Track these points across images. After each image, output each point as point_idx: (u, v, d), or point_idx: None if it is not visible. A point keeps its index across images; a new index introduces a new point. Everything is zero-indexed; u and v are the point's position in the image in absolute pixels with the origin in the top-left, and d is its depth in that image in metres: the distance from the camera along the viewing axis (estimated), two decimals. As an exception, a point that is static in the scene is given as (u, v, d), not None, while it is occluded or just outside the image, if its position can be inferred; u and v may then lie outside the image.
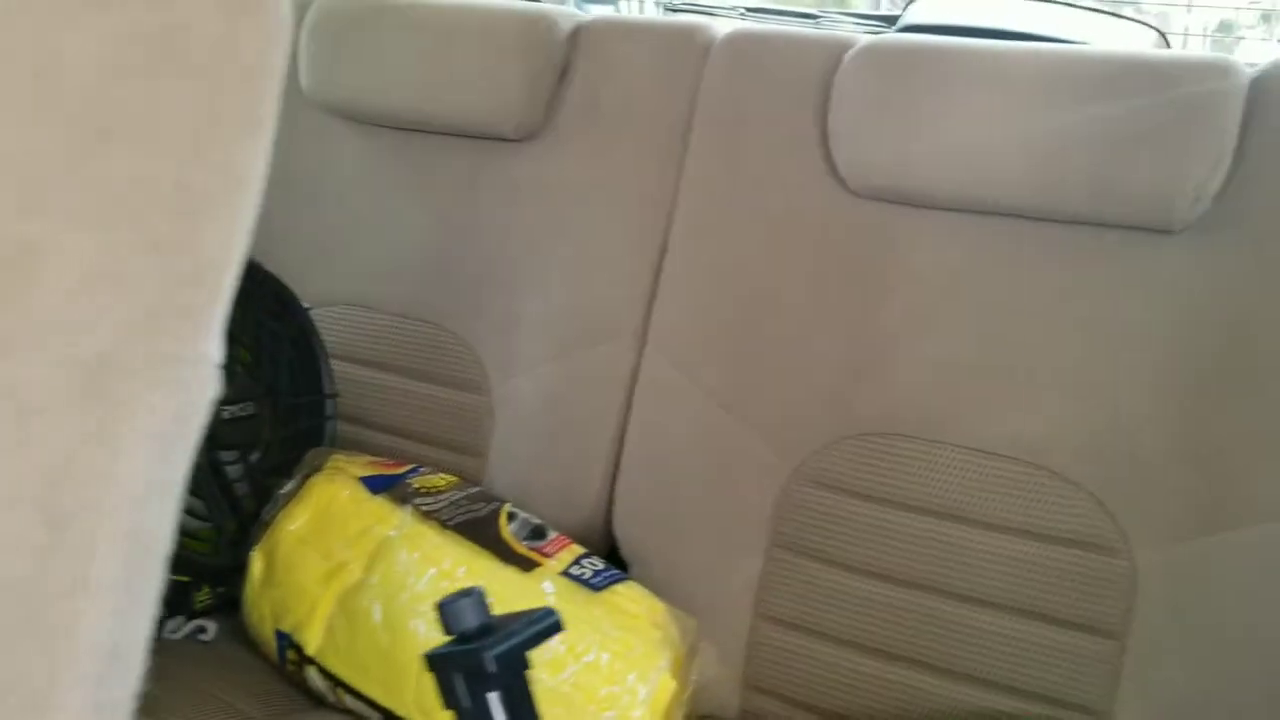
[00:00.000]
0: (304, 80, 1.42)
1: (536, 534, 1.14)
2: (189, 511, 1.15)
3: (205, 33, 0.37)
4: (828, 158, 1.17)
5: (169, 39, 0.36)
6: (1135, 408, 1.04)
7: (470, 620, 0.55)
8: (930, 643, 1.09)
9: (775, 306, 1.18)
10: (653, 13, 2.44)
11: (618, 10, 2.37)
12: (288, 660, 1.12)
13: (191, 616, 1.21)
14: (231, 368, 1.18)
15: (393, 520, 1.12)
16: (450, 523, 1.12)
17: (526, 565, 1.08)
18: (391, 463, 1.24)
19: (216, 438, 1.16)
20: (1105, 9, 1.94)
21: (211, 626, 1.21)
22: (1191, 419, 1.02)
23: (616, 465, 1.27)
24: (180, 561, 1.17)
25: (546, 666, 1.01)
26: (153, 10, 0.36)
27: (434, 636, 1.02)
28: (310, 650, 1.09)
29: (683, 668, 1.07)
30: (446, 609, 0.55)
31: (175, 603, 1.20)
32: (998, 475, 1.08)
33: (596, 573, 1.10)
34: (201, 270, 0.39)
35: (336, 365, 1.36)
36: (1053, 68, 1.06)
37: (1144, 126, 1.01)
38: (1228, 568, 0.99)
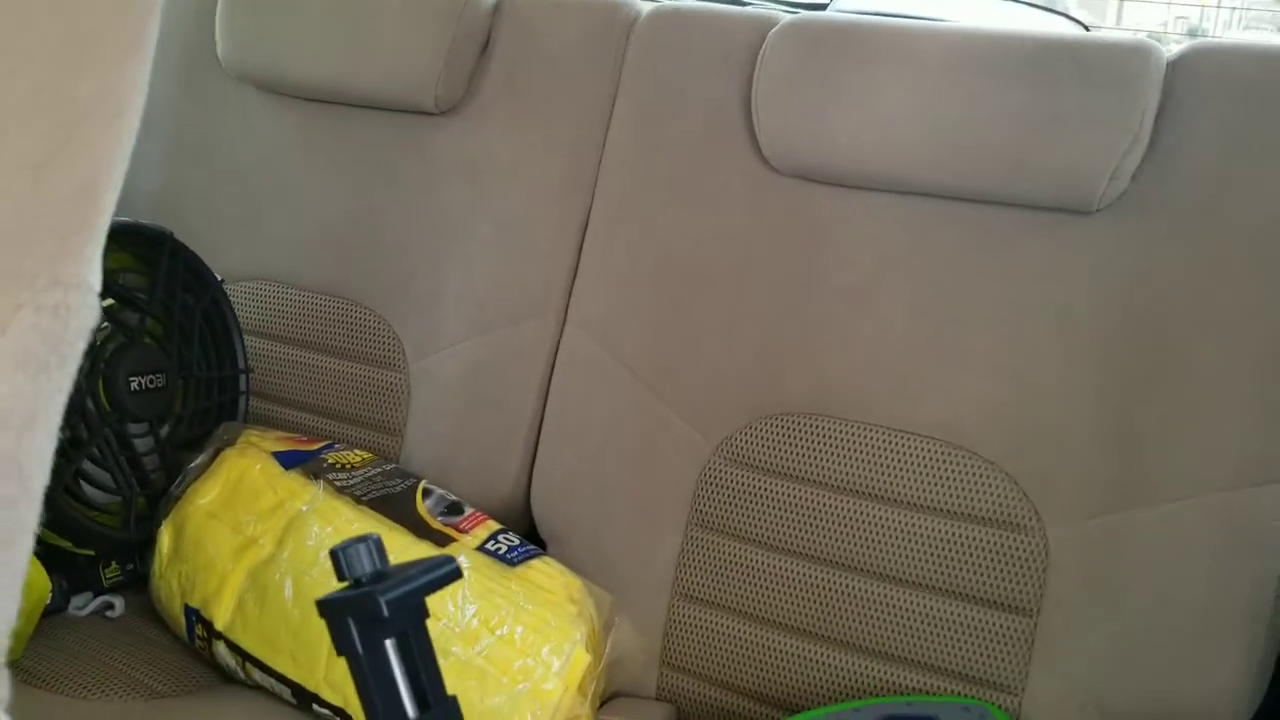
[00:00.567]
0: (221, 49, 1.40)
1: (453, 510, 1.13)
2: (97, 484, 1.13)
3: None
4: (751, 136, 1.17)
5: None
6: (1050, 387, 1.05)
7: (365, 566, 0.54)
8: (847, 621, 1.09)
9: (699, 285, 1.18)
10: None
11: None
12: (196, 636, 1.10)
13: (100, 592, 1.19)
14: (140, 338, 1.16)
15: (305, 495, 1.10)
16: (365, 498, 1.11)
17: (442, 541, 1.07)
18: (305, 439, 1.22)
19: (125, 409, 1.13)
20: (1037, 4, 1.96)
21: (119, 603, 1.18)
22: (1106, 398, 1.03)
23: (536, 443, 1.26)
24: (87, 536, 1.15)
25: (460, 639, 0.99)
26: None
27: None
28: (219, 625, 1.07)
29: (598, 641, 1.06)
30: (340, 554, 0.54)
31: (83, 578, 1.18)
32: (916, 455, 1.08)
33: (512, 548, 1.09)
34: (75, 190, 0.38)
35: (250, 340, 1.34)
36: (973, 47, 1.06)
37: (1062, 106, 1.02)
38: (1138, 543, 1.00)
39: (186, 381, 1.23)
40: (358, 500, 1.10)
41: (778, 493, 1.12)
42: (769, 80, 1.14)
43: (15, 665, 1.03)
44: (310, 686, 1.01)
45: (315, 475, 1.13)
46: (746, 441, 1.14)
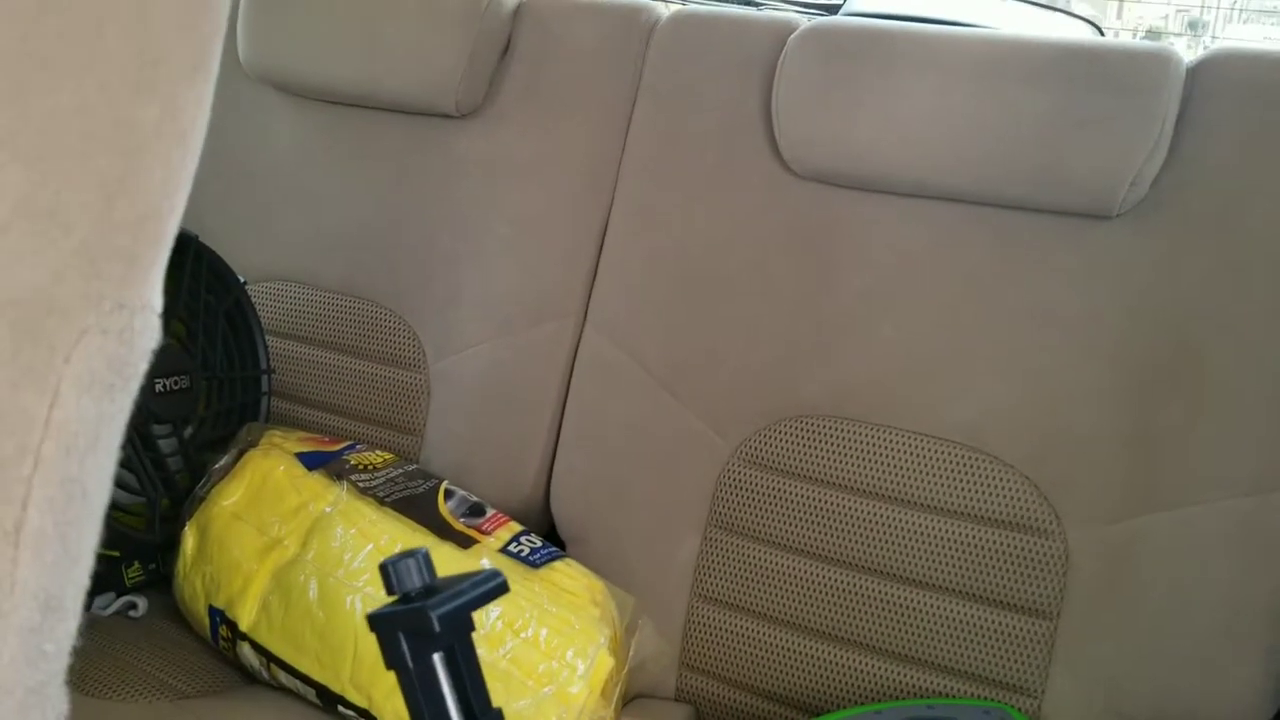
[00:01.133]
0: (242, 52, 1.40)
1: (474, 511, 1.13)
2: (121, 485, 1.13)
3: None
4: (771, 139, 1.17)
5: None
6: (1071, 391, 1.05)
7: (415, 580, 0.55)
8: (867, 623, 1.10)
9: (718, 287, 1.19)
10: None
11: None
12: (220, 637, 1.10)
13: (122, 593, 1.19)
14: (165, 340, 1.16)
15: (328, 496, 1.11)
16: (387, 499, 1.11)
17: (464, 542, 1.08)
18: (327, 439, 1.23)
19: (149, 411, 1.14)
20: (1048, 5, 1.96)
21: (142, 603, 1.19)
22: (1126, 403, 1.03)
23: (555, 445, 1.26)
24: (111, 536, 1.16)
25: (485, 642, 1.00)
26: None
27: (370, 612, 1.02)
28: (244, 626, 1.07)
29: (621, 645, 1.06)
30: (390, 568, 0.55)
31: (106, 579, 1.19)
32: (936, 458, 1.09)
33: (534, 550, 1.10)
34: (142, 214, 0.38)
35: (272, 341, 1.34)
36: (994, 53, 1.07)
37: (1084, 113, 1.02)
38: (1158, 547, 1.01)
39: (210, 383, 1.24)
40: (380, 501, 1.11)
41: (797, 495, 1.13)
42: (790, 84, 1.14)
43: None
44: (335, 688, 1.02)
45: (338, 476, 1.13)
46: (765, 443, 1.15)
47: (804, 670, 1.12)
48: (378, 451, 1.22)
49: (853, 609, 1.10)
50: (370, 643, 1.00)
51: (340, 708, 1.02)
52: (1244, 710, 0.99)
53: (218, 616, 1.10)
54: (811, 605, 1.12)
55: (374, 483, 1.14)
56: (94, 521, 0.39)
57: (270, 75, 1.40)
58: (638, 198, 1.24)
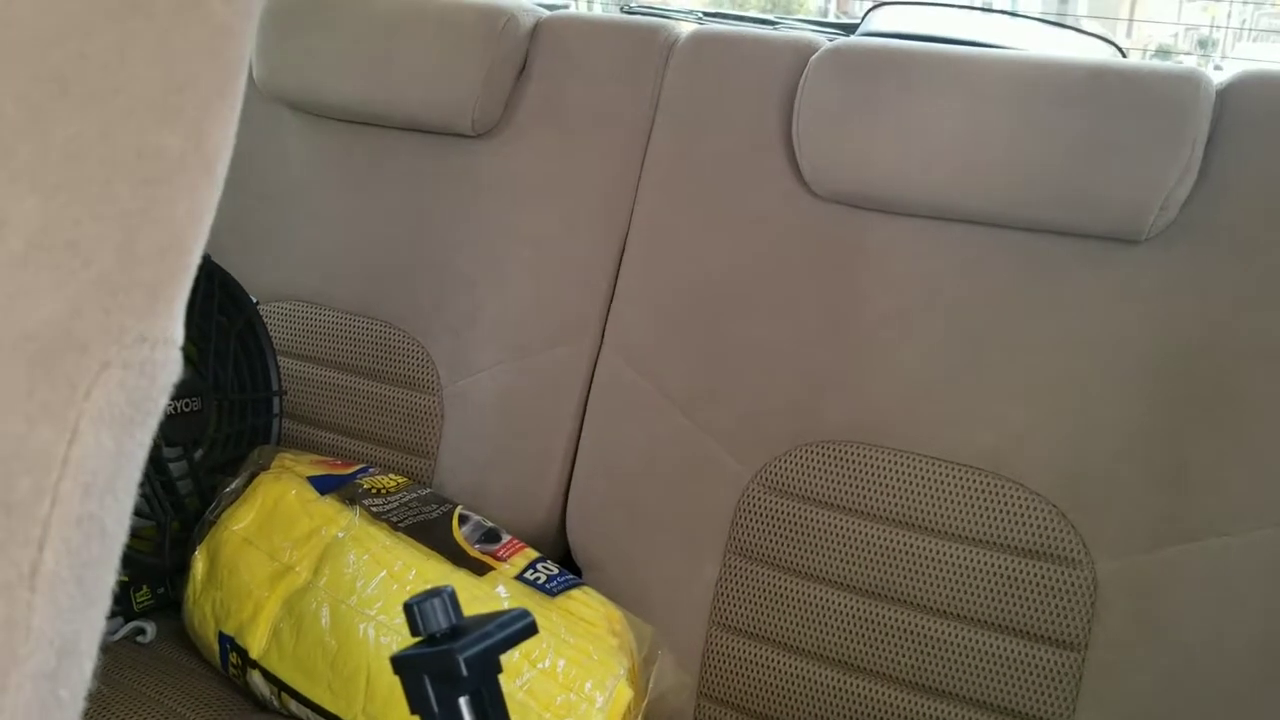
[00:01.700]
0: (256, 70, 1.39)
1: (490, 537, 1.12)
2: (129, 509, 1.11)
3: None
4: (792, 160, 1.16)
5: None
6: (1099, 418, 1.03)
7: (440, 621, 0.53)
8: (890, 653, 1.08)
9: (737, 311, 1.17)
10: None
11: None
12: (230, 664, 1.08)
13: (130, 618, 1.18)
14: (177, 362, 1.15)
15: (341, 521, 1.09)
16: (401, 525, 1.09)
17: (479, 569, 1.06)
18: (340, 462, 1.21)
19: (160, 433, 1.12)
20: (1064, 24, 1.95)
21: (151, 628, 1.17)
22: (1156, 430, 1.01)
23: (571, 470, 1.25)
24: (121, 560, 1.14)
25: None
26: None
27: (383, 641, 1.00)
28: (254, 654, 1.05)
29: (640, 675, 1.04)
30: (415, 609, 0.53)
31: (114, 603, 1.16)
32: (961, 485, 1.07)
33: (551, 578, 1.08)
34: (165, 245, 0.36)
35: (283, 362, 1.33)
36: (1021, 74, 1.05)
37: (1113, 135, 1.01)
38: (1189, 579, 0.99)
39: (221, 404, 1.22)
40: (394, 527, 1.09)
41: (818, 522, 1.11)
42: (811, 104, 1.13)
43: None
44: (348, 718, 1.00)
45: (351, 500, 1.11)
46: (786, 469, 1.13)
47: (825, 701, 1.09)
48: (391, 475, 1.21)
49: (875, 639, 1.08)
50: (383, 672, 0.99)
51: (353, 738, 1.01)
52: None
53: (228, 643, 1.08)
54: (833, 634, 1.10)
55: (387, 507, 1.12)
56: (112, 562, 0.38)
57: (284, 94, 1.39)
58: (656, 219, 1.22)
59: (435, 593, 0.53)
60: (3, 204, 0.32)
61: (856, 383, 1.12)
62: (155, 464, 1.13)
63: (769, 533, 1.13)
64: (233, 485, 1.14)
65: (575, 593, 1.07)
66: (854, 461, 1.11)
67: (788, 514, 1.12)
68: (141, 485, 1.05)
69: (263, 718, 1.09)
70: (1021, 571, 1.04)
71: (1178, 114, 1.00)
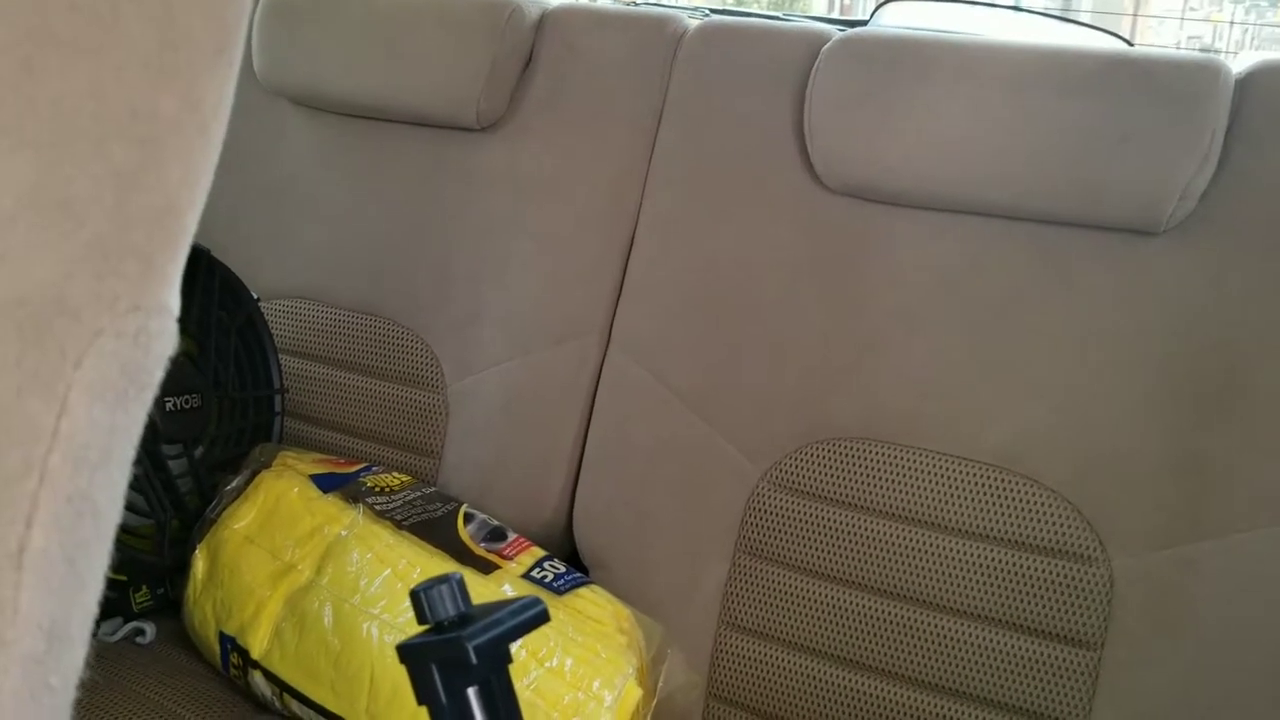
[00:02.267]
0: (257, 63, 1.37)
1: (495, 536, 1.10)
2: (129, 507, 1.09)
3: None
4: (803, 153, 1.14)
5: None
6: (1114, 413, 1.01)
7: (449, 608, 0.51)
8: (902, 653, 1.06)
9: (746, 305, 1.15)
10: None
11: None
12: (231, 664, 1.07)
13: (130, 618, 1.16)
14: (176, 357, 1.13)
15: (344, 520, 1.07)
16: (405, 523, 1.08)
17: (485, 568, 1.04)
18: (342, 460, 1.19)
19: (159, 430, 1.11)
20: (1076, 20, 1.93)
21: (150, 629, 1.15)
22: (1172, 425, 0.99)
23: (578, 468, 1.23)
24: (119, 559, 1.12)
25: (507, 672, 0.96)
26: None
27: (387, 640, 0.98)
28: (256, 654, 1.04)
29: (649, 675, 1.02)
30: (423, 595, 0.51)
31: (113, 603, 1.15)
32: (974, 481, 1.05)
33: (558, 576, 1.06)
34: (159, 209, 0.35)
35: (285, 360, 1.31)
36: (1036, 64, 1.03)
37: (1132, 125, 0.99)
38: (1206, 576, 0.97)
39: (222, 402, 1.20)
40: (398, 525, 1.07)
41: (829, 520, 1.09)
42: (822, 96, 1.11)
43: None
44: (350, 719, 0.98)
45: (354, 499, 1.10)
46: (796, 466, 1.11)
47: (836, 701, 1.08)
48: (394, 474, 1.19)
49: (886, 637, 1.06)
50: (387, 671, 0.97)
51: (356, 739, 0.99)
52: None
53: (229, 643, 1.06)
54: (844, 633, 1.08)
55: (391, 505, 1.10)
56: (104, 543, 0.36)
57: (285, 87, 1.38)
58: (664, 213, 1.21)
59: (443, 579, 0.51)
60: None
61: (867, 379, 1.10)
62: (154, 461, 1.12)
63: (779, 531, 1.11)
64: (234, 483, 1.13)
65: (583, 591, 1.05)
66: (866, 459, 1.09)
67: (798, 512, 1.10)
68: (140, 483, 1.04)
69: (264, 718, 1.07)
70: (1036, 569, 1.02)
71: (1195, 103, 0.98)
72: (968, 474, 1.05)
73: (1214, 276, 1.00)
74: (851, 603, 1.08)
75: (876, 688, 1.06)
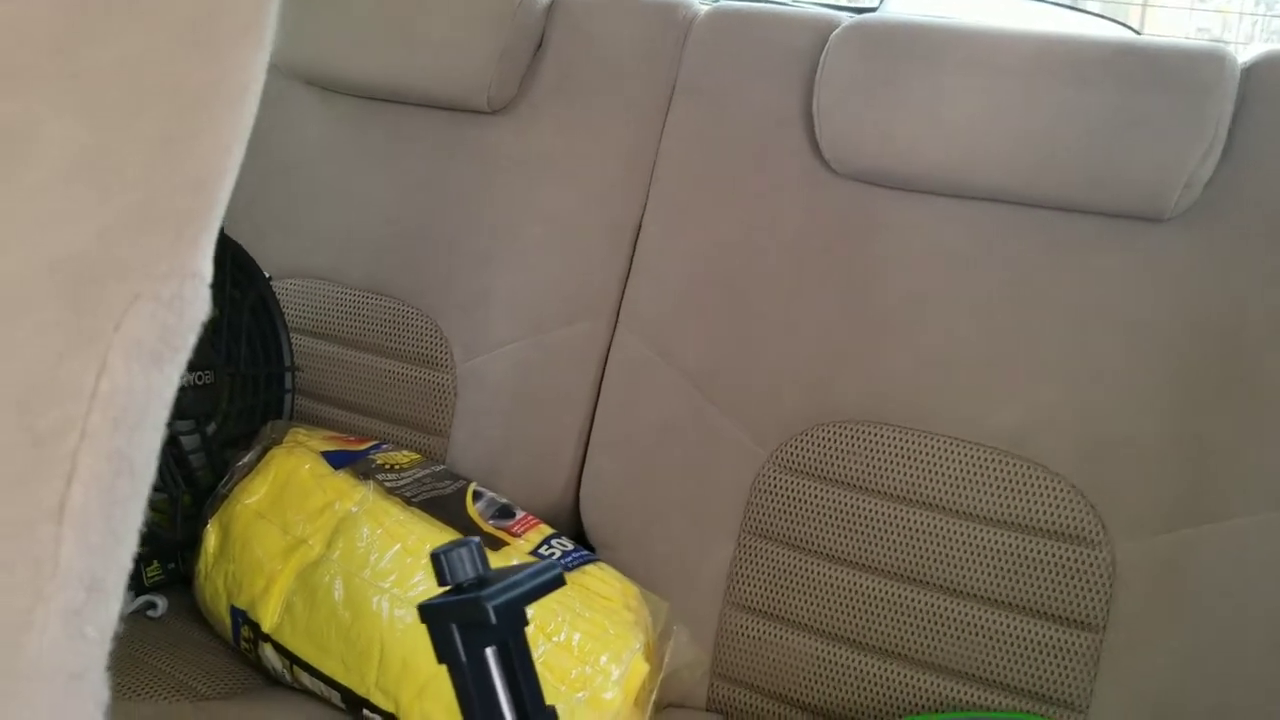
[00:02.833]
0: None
1: (504, 513, 1.11)
2: (141, 482, 1.11)
3: None
4: (811, 137, 1.15)
5: None
6: (1119, 398, 1.02)
7: (468, 570, 0.52)
8: (906, 634, 1.07)
9: (755, 288, 1.16)
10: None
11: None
12: (242, 638, 1.08)
13: (141, 592, 1.17)
14: (190, 334, 1.14)
15: (354, 496, 1.08)
16: (414, 500, 1.09)
17: (494, 544, 1.05)
18: (353, 438, 1.20)
19: (172, 406, 1.12)
20: (1084, 9, 1.94)
21: (162, 602, 1.16)
22: (1176, 411, 1.00)
23: (585, 448, 1.24)
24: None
25: (515, 647, 0.97)
26: None
27: (396, 614, 0.99)
28: (266, 627, 1.05)
29: (655, 651, 1.04)
30: (443, 557, 0.52)
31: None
32: (979, 465, 1.06)
33: (566, 553, 1.07)
34: (195, 177, 0.36)
35: (297, 339, 1.32)
36: (1044, 51, 1.04)
37: (1137, 112, 1.00)
38: (1209, 560, 0.98)
39: (234, 378, 1.21)
40: (407, 502, 1.08)
41: (834, 501, 1.10)
42: (832, 81, 1.12)
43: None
44: (360, 691, 0.99)
45: (364, 476, 1.11)
46: (803, 448, 1.12)
47: (839, 681, 1.09)
48: (404, 451, 1.20)
49: (891, 618, 1.07)
50: (397, 644, 0.98)
51: (365, 711, 1.00)
52: None
53: (239, 617, 1.07)
54: (848, 614, 1.09)
55: (401, 483, 1.11)
56: (139, 501, 0.37)
57: (299, 69, 1.38)
58: (673, 196, 1.21)
59: (463, 543, 0.52)
60: (33, 120, 0.31)
61: (875, 362, 1.11)
62: (168, 436, 1.12)
63: (785, 512, 1.12)
64: (245, 459, 1.14)
65: (591, 568, 1.06)
66: (872, 441, 1.10)
67: (804, 493, 1.11)
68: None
69: (275, 692, 1.08)
70: (1040, 552, 1.03)
71: (1202, 91, 0.99)
72: (974, 457, 1.06)
73: (1219, 263, 1.01)
74: (856, 584, 1.09)
75: (880, 668, 1.07)
